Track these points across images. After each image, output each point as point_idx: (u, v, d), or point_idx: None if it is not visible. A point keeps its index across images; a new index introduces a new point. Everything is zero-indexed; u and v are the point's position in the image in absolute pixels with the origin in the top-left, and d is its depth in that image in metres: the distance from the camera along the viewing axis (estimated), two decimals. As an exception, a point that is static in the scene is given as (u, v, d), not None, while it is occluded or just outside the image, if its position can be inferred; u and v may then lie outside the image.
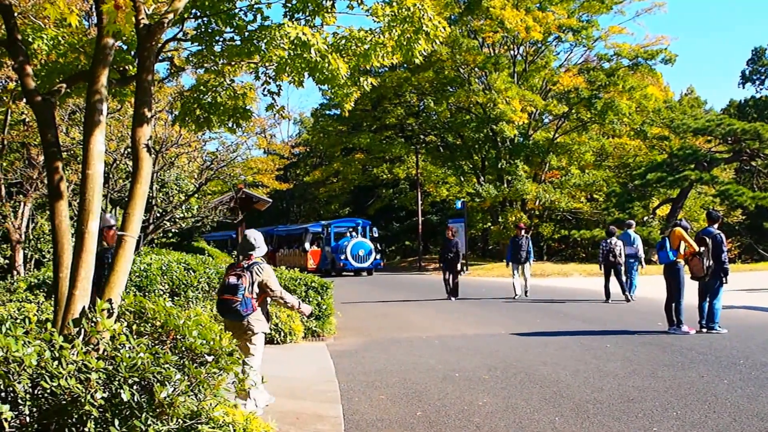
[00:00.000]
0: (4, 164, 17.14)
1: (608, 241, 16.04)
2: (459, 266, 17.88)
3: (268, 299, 6.69)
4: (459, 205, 35.49)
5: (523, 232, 18.32)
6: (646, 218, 35.82)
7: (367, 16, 6.89)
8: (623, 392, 6.96)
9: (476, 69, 38.19)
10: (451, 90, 39.90)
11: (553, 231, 43.32)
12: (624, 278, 15.96)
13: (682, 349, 9.32)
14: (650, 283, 17.73)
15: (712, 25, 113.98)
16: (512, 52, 40.24)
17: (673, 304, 10.91)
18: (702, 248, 10.64)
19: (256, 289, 6.41)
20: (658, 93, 41.80)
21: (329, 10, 7.00)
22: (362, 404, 6.83)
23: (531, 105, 36.70)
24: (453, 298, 17.39)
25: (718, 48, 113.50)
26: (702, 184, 35.58)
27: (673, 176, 33.20)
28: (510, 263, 18.00)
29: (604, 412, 6.21)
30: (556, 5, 37.48)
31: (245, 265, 6.49)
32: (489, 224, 40.94)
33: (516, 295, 17.36)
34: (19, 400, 3.69)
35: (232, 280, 6.38)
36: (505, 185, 37.62)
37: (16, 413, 3.68)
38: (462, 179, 42.73)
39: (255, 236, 6.68)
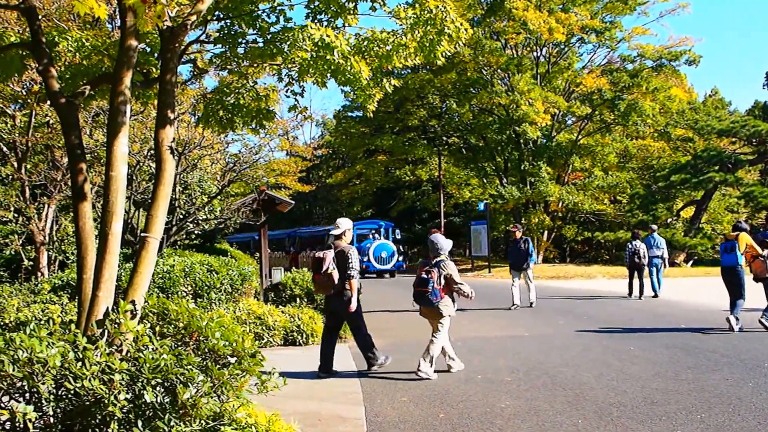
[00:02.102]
0: (29, 166, 17.33)
1: (633, 243, 17.38)
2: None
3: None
4: (482, 206, 35.38)
5: (519, 234, 16.34)
6: (669, 220, 35.50)
7: (390, 18, 6.89)
8: (647, 395, 6.89)
9: (499, 70, 38.03)
10: (473, 91, 39.75)
11: (577, 233, 43.04)
12: (654, 277, 17.32)
13: (706, 351, 9.21)
14: (675, 286, 17.55)
15: (737, 26, 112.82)
16: (535, 53, 40.04)
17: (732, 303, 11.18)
18: (765, 251, 11.00)
19: (442, 281, 8.11)
20: (682, 94, 41.45)
21: (351, 12, 7.00)
22: (384, 406, 6.82)
23: (554, 106, 36.50)
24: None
25: (742, 49, 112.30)
26: (726, 186, 35.25)
27: (697, 178, 32.90)
28: (511, 269, 16.24)
29: (627, 415, 6.15)
30: (579, 6, 37.24)
31: (433, 263, 8.22)
32: (511, 226, 40.70)
33: (514, 305, 15.46)
34: (43, 401, 3.71)
35: (424, 275, 8.18)
36: (528, 187, 37.43)
37: (40, 414, 3.70)
38: (485, 181, 42.57)
39: (438, 240, 8.37)
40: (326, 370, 8.36)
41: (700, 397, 6.75)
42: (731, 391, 6.97)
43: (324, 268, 8.16)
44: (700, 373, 7.86)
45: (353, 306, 8.24)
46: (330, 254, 8.26)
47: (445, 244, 8.34)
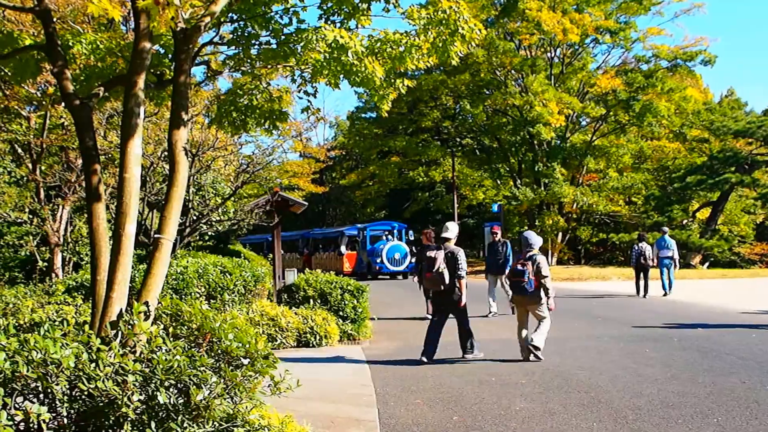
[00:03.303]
0: (43, 168, 17.45)
1: (639, 245, 18.46)
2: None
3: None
4: (495, 208, 35.31)
5: (498, 236, 15.06)
6: (685, 221, 35.27)
7: (403, 18, 6.87)
8: (663, 398, 6.83)
9: (512, 71, 37.94)
10: (487, 92, 39.69)
11: (591, 234, 42.86)
12: (664, 277, 18.36)
13: (723, 354, 9.13)
14: (690, 288, 17.46)
15: (753, 26, 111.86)
16: (549, 54, 39.88)
17: None
18: None
19: (534, 272, 9.05)
20: (698, 95, 41.18)
21: (364, 13, 6.98)
22: (398, 408, 6.79)
23: (568, 107, 36.34)
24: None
25: (759, 49, 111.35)
26: (743, 187, 35.01)
27: (713, 179, 32.70)
28: (487, 275, 15.20)
29: (643, 418, 6.10)
30: (593, 7, 37.07)
31: (527, 256, 9.17)
32: (526, 227, 40.60)
33: (491, 312, 14.54)
34: (57, 402, 3.71)
35: (519, 267, 9.18)
36: (542, 188, 37.31)
37: (54, 415, 3.70)
38: (498, 182, 42.48)
39: (531, 237, 9.46)
40: (429, 357, 9.23)
41: (717, 400, 6.68)
42: (748, 394, 6.90)
43: (435, 267, 9.18)
44: (717, 376, 7.78)
45: (463, 302, 9.29)
46: (441, 254, 9.28)
47: (537, 240, 9.46)
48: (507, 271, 12.43)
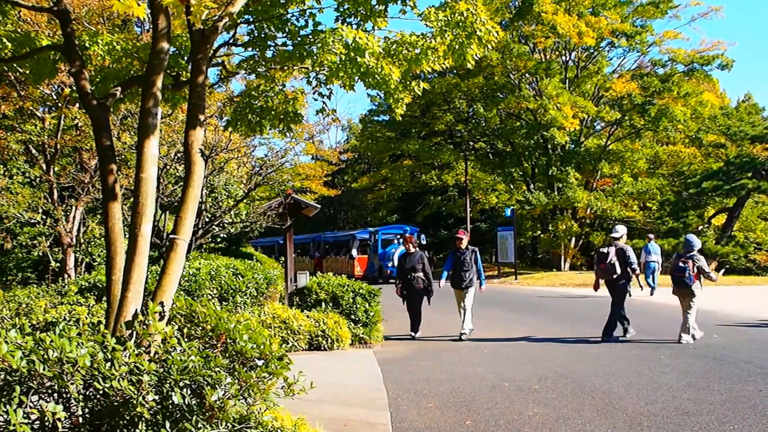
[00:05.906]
0: (57, 168, 17.56)
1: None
2: (427, 290, 12.55)
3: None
4: (508, 212, 35.12)
5: (465, 242, 12.45)
6: (701, 227, 35.00)
7: (420, 20, 6.84)
8: (678, 405, 6.78)
9: (527, 75, 37.76)
10: (501, 96, 39.54)
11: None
12: (650, 279, 20.40)
13: (739, 362, 9.05)
14: (706, 295, 17.23)
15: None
16: (564, 57, 39.69)
17: None
18: None
19: (695, 270, 10.63)
20: (714, 99, 40.87)
21: (381, 14, 6.97)
22: (410, 412, 6.77)
23: (583, 111, 36.14)
24: (413, 334, 12.39)
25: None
26: (760, 193, 34.67)
27: (729, 185, 32.43)
28: (452, 286, 12.49)
29: (658, 425, 6.05)
30: (610, 10, 36.86)
31: (687, 256, 10.75)
32: (539, 232, 40.46)
33: (466, 331, 12.06)
34: (72, 401, 3.72)
35: (680, 264, 10.75)
36: (556, 193, 37.13)
37: (69, 414, 3.71)
38: (512, 186, 42.30)
39: (693, 240, 11.01)
40: (624, 332, 11.56)
41: (733, 408, 6.62)
42: (765, 402, 6.83)
43: (608, 260, 11.27)
44: (734, 384, 7.71)
45: (630, 290, 11.65)
46: (612, 250, 11.40)
47: (697, 243, 10.99)
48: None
